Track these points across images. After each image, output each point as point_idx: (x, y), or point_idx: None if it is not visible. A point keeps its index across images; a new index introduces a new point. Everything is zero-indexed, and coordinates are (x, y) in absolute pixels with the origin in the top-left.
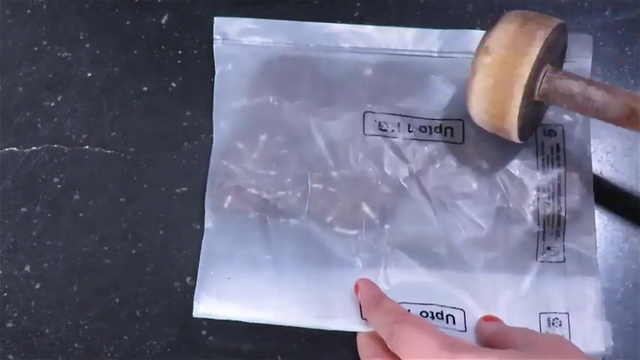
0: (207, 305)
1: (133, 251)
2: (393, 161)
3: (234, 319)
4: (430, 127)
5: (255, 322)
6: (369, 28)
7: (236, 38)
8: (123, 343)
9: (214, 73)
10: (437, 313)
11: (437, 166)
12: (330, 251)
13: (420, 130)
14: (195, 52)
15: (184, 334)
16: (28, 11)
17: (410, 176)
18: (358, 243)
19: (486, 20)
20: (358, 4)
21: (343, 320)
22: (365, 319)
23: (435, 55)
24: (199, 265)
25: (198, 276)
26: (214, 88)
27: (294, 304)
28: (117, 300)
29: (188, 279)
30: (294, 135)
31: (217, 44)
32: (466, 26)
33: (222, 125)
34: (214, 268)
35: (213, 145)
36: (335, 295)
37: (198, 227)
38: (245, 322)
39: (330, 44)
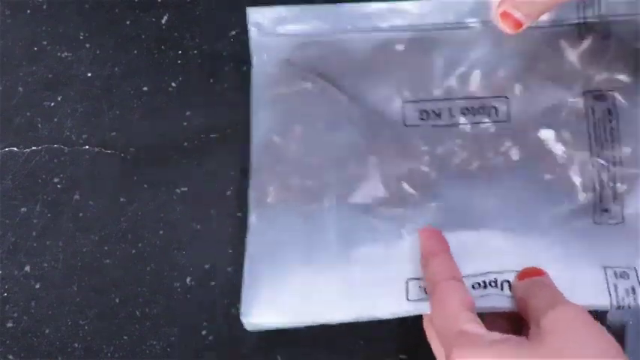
0: (256, 316)
1: (133, 251)
2: (437, 147)
3: (282, 326)
4: (473, 108)
5: (304, 325)
6: (406, 5)
7: (270, 27)
8: (123, 343)
9: (251, 65)
10: (491, 282)
11: (484, 147)
12: (374, 231)
13: (462, 113)
14: (195, 52)
15: (184, 334)
16: (28, 11)
17: (456, 160)
18: (404, 218)
19: None
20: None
21: (389, 305)
22: (411, 301)
23: (478, 24)
24: (244, 274)
25: (243, 286)
26: (252, 79)
27: (339, 297)
28: (117, 300)
29: (188, 279)
30: (334, 122)
31: (252, 34)
32: None
33: (260, 115)
34: (258, 277)
35: (252, 137)
36: (382, 278)
37: (199, 227)
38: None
39: (367, 25)
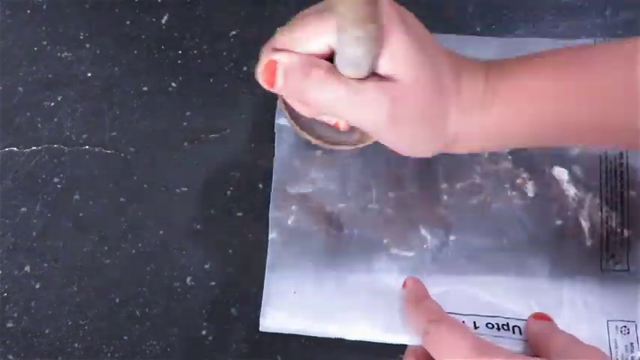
0: (274, 320)
1: (133, 251)
2: (453, 176)
3: (300, 333)
4: None
5: (321, 336)
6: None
7: None
8: (123, 343)
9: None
10: (503, 325)
11: (499, 175)
12: (393, 263)
13: None
14: (195, 52)
15: (184, 334)
16: (28, 11)
17: (471, 188)
18: (424, 251)
19: (486, 20)
20: None
21: (410, 334)
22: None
23: None
24: (265, 278)
25: (263, 289)
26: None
27: (360, 317)
28: (117, 300)
29: (188, 279)
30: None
31: None
32: (466, 26)
33: (284, 135)
34: (279, 281)
35: (276, 152)
36: (401, 307)
37: (199, 227)
38: (244, 322)
39: None
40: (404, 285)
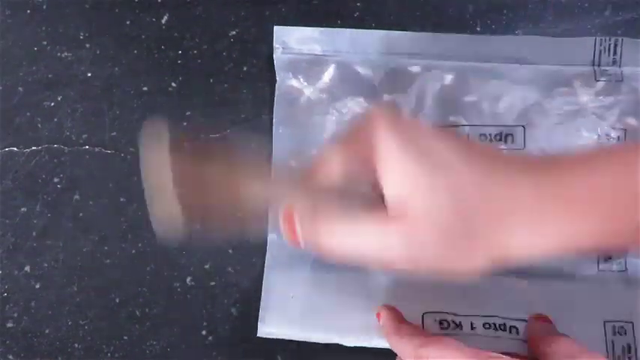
0: (271, 325)
1: (133, 251)
2: None
3: (298, 339)
4: (490, 135)
5: (319, 342)
6: (428, 34)
7: (296, 47)
8: (123, 343)
9: (275, 82)
10: (500, 325)
11: None
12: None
13: (480, 139)
14: (195, 52)
15: (184, 334)
16: (28, 11)
17: None
18: None
19: (486, 20)
20: (358, 4)
21: None
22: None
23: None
24: (263, 283)
25: (262, 294)
26: (275, 96)
27: (358, 324)
28: (117, 300)
29: (188, 279)
30: None
31: (277, 53)
32: (466, 26)
33: (280, 131)
34: (277, 286)
35: (274, 151)
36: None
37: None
38: (244, 322)
39: (391, 52)
40: (377, 316)
